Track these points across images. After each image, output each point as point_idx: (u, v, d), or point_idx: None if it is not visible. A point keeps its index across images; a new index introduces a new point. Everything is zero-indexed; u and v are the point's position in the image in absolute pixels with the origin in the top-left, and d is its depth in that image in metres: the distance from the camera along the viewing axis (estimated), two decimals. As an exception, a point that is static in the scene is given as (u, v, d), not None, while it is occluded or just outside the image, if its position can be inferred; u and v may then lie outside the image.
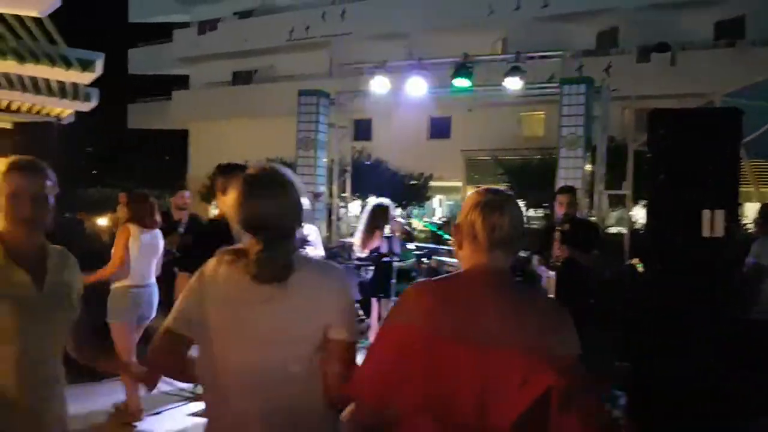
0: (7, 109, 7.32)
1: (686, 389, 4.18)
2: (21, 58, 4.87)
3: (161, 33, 29.37)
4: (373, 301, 6.53)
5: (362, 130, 19.90)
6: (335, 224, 10.90)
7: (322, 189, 10.18)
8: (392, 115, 18.50)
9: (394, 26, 21.91)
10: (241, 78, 27.21)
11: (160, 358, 1.92)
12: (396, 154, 18.67)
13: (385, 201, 6.53)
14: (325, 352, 1.83)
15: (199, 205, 21.04)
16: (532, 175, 15.19)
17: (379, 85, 9.08)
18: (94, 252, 6.08)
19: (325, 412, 1.87)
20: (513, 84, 8.36)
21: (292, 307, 1.83)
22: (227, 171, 4.09)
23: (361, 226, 6.42)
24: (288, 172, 1.96)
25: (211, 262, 1.92)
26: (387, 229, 6.39)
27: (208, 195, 22.83)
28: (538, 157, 16.20)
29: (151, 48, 30.13)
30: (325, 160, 10.43)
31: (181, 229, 7.44)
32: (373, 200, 6.65)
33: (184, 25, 29.17)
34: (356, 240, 6.71)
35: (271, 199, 1.85)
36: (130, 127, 31.01)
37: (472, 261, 1.77)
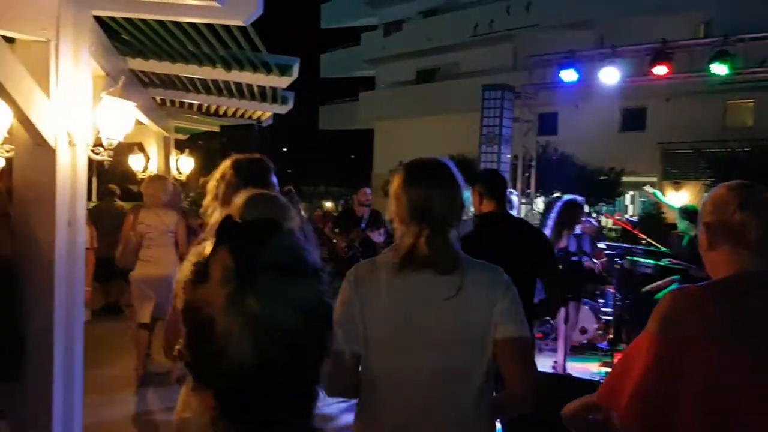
0: (216, 113, 8.00)
1: None
2: (228, 66, 5.24)
3: (350, 37, 30.70)
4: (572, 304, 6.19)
5: (547, 124, 19.22)
6: (519, 222, 10.60)
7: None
8: (580, 107, 17.65)
9: (584, 14, 20.90)
10: (425, 76, 27.57)
11: (341, 384, 1.80)
12: (584, 148, 17.82)
13: (577, 198, 6.20)
14: (498, 353, 1.75)
15: (382, 201, 21.68)
16: (740, 168, 13.73)
17: (567, 76, 8.69)
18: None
19: (488, 416, 1.80)
20: (720, 70, 7.57)
21: (466, 305, 1.74)
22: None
23: (550, 223, 6.14)
24: (451, 163, 1.90)
25: (363, 266, 1.89)
26: (578, 227, 6.05)
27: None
28: (747, 149, 14.61)
29: (341, 52, 31.61)
30: (509, 156, 10.19)
31: (363, 225, 7.71)
32: (564, 196, 6.32)
33: (372, 28, 30.20)
34: None
35: (438, 188, 1.80)
36: (321, 128, 32.79)
37: (738, 265, 1.54)
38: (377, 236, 7.70)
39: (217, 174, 2.43)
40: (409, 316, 1.74)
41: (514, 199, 7.26)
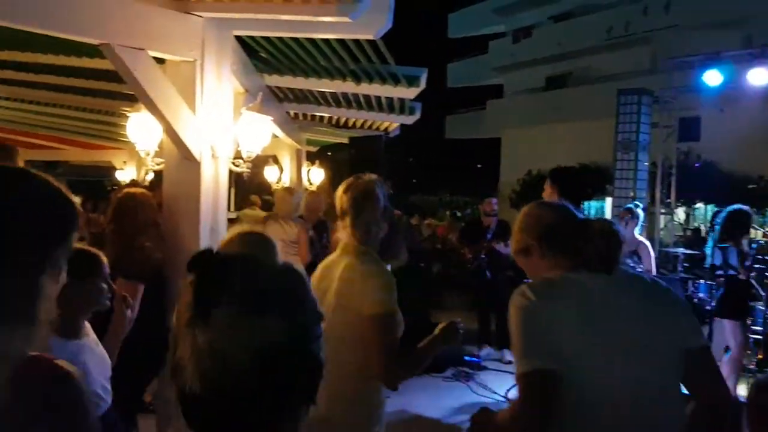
0: (345, 125, 8.22)
1: None
2: (358, 79, 5.37)
3: (478, 45, 30.55)
4: (724, 322, 5.71)
5: (689, 129, 18.03)
6: (657, 233, 10.04)
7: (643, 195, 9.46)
8: (726, 111, 16.43)
9: (729, 13, 19.48)
10: (555, 82, 26.84)
11: (543, 408, 1.65)
12: (730, 155, 16.57)
13: (743, 207, 5.76)
14: (689, 367, 1.70)
15: (508, 211, 21.32)
16: None
17: (711, 78, 8.14)
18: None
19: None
20: None
21: (655, 315, 1.73)
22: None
23: (715, 236, 5.73)
24: None
25: (539, 282, 1.83)
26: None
27: (518, 201, 23.05)
28: None
29: (468, 61, 31.51)
30: (646, 163, 9.67)
31: (489, 235, 7.58)
32: (731, 207, 5.88)
33: (500, 35, 29.87)
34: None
35: None
36: (447, 138, 32.80)
37: None
38: (503, 248, 7.53)
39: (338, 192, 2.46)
40: (603, 326, 1.71)
41: (640, 212, 6.86)
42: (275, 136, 7.01)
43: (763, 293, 6.15)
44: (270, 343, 0.82)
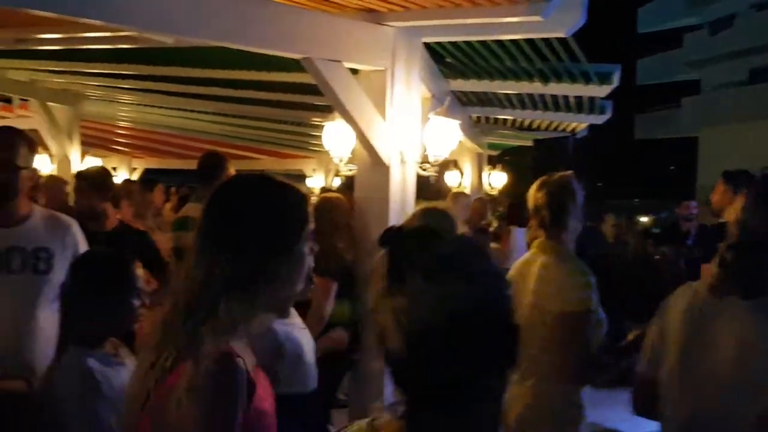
0: (529, 128, 8.03)
1: None
2: (545, 78, 5.22)
3: (670, 40, 28.57)
4: None
5: None
6: None
7: None
8: None
9: None
10: (760, 75, 24.31)
11: (641, 405, 1.86)
12: None
13: None
14: None
15: (707, 215, 19.56)
16: None
17: None
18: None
19: None
20: None
21: (759, 335, 1.58)
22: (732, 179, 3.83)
23: None
24: None
25: (679, 290, 1.81)
26: None
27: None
28: None
29: (659, 56, 29.57)
30: None
31: (690, 241, 6.98)
32: None
33: (695, 27, 27.70)
34: None
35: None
36: (637, 138, 30.97)
37: None
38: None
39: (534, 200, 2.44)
40: (696, 337, 1.65)
41: None
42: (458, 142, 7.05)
43: None
44: (457, 304, 0.89)
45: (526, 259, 2.40)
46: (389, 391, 3.31)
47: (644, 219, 27.03)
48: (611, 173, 31.72)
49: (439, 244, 0.96)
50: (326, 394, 3.66)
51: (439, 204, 2.46)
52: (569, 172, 2.41)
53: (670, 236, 7.38)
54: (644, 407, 1.87)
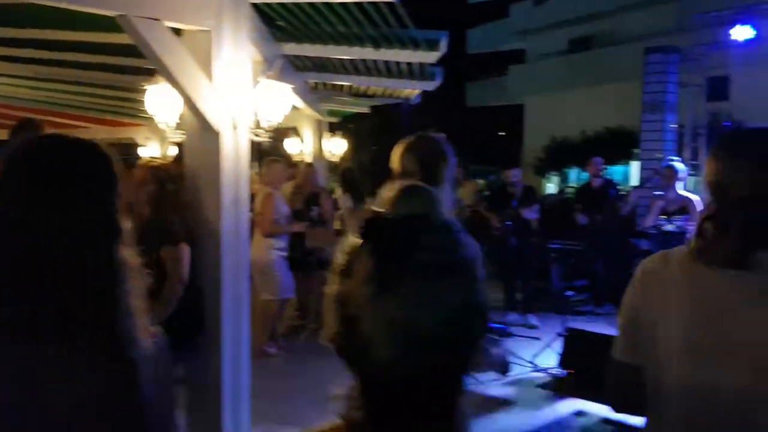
0: (365, 94, 8.14)
1: None
2: (377, 44, 5.29)
3: (498, 10, 29.97)
4: None
5: (718, 88, 17.57)
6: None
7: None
8: (757, 68, 15.99)
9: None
10: (579, 45, 26.28)
11: (626, 400, 1.61)
12: (760, 115, 16.14)
13: None
14: None
15: (534, 179, 21.05)
16: None
17: (741, 33, 7.88)
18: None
19: None
20: None
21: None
22: None
23: None
24: None
25: (652, 261, 1.56)
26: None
27: (543, 168, 22.78)
28: None
29: (488, 26, 30.97)
30: (674, 125, 9.45)
31: (514, 203, 7.54)
32: None
33: (521, -1, 29.28)
34: None
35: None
36: (469, 105, 32.40)
37: None
38: (529, 213, 7.50)
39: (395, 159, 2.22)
40: (709, 322, 1.43)
41: (681, 167, 6.78)
42: (295, 108, 6.98)
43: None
44: (459, 303, 0.80)
45: None
46: (227, 371, 3.24)
47: (481, 181, 28.59)
48: (447, 139, 33.11)
49: (433, 237, 0.84)
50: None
51: (415, 179, 2.07)
52: (440, 133, 2.33)
53: (499, 198, 7.88)
54: (625, 400, 1.62)
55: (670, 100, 9.00)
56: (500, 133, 34.01)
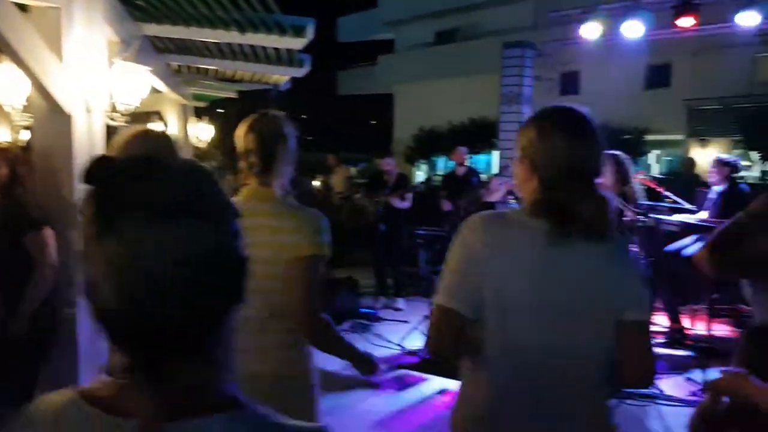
0: (233, 79, 7.96)
1: None
2: (242, 28, 5.19)
3: (368, 0, 30.24)
4: None
5: (569, 83, 18.87)
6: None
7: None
8: (603, 65, 17.29)
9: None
10: (444, 37, 27.12)
11: (444, 345, 1.65)
12: (607, 108, 17.45)
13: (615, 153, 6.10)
14: (623, 336, 1.58)
15: (404, 166, 21.55)
16: (770, 124, 13.44)
17: (588, 32, 8.46)
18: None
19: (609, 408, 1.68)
20: (747, 20, 7.31)
21: (605, 280, 1.58)
22: None
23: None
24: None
25: (492, 219, 1.66)
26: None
27: (413, 156, 23.39)
28: (777, 104, 14.30)
29: (359, 15, 31.19)
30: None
31: (387, 191, 7.72)
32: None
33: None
34: None
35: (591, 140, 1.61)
36: (340, 94, 32.55)
37: None
38: (398, 202, 7.66)
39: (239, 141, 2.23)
40: (537, 282, 1.56)
41: None
42: (158, 91, 6.70)
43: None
44: (189, 247, 0.77)
45: (247, 211, 2.21)
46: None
47: (352, 169, 28.79)
48: (320, 127, 33.07)
49: (163, 176, 0.80)
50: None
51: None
52: (280, 112, 2.27)
53: (374, 185, 8.01)
54: (442, 344, 1.65)
55: (526, 93, 9.55)
56: (371, 122, 34.46)
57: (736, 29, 7.65)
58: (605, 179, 5.89)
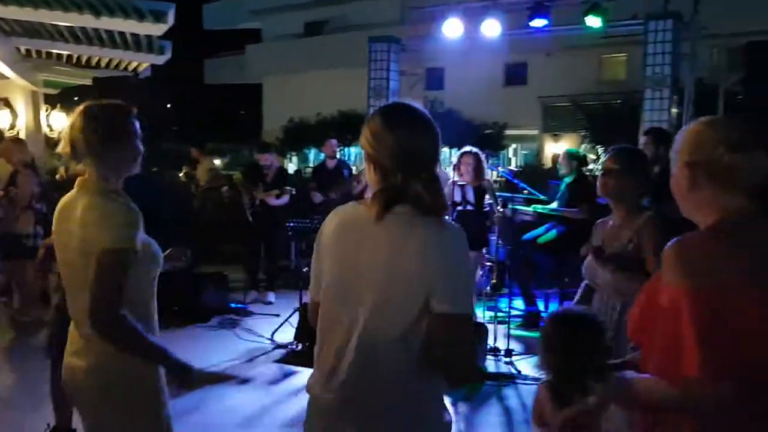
0: (88, 65, 7.53)
1: None
2: (96, 12, 4.93)
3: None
4: None
5: (434, 79, 19.51)
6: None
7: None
8: (466, 62, 18.01)
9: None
10: (313, 29, 27.04)
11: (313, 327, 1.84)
12: (470, 103, 18.26)
13: (469, 149, 6.40)
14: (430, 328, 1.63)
15: (277, 159, 21.31)
16: (614, 120, 14.60)
17: (451, 28, 8.77)
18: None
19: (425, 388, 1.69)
20: (594, 22, 7.91)
21: (408, 262, 1.61)
22: None
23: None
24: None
25: (332, 214, 1.81)
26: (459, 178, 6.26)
27: (282, 148, 23.15)
28: (620, 101, 15.57)
29: (225, 2, 30.36)
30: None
31: (264, 187, 7.60)
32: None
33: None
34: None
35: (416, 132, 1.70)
36: (207, 83, 31.56)
37: (725, 206, 1.54)
38: (273, 200, 7.54)
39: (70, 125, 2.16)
40: (348, 265, 1.69)
41: None
42: (5, 77, 6.24)
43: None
44: None
45: (69, 199, 2.14)
46: None
47: (217, 162, 28.06)
48: (186, 117, 31.88)
49: None
50: None
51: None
52: (119, 101, 2.20)
53: (252, 177, 7.84)
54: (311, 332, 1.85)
55: (392, 87, 9.74)
56: (240, 112, 33.69)
57: (585, 31, 8.23)
58: (465, 173, 6.25)
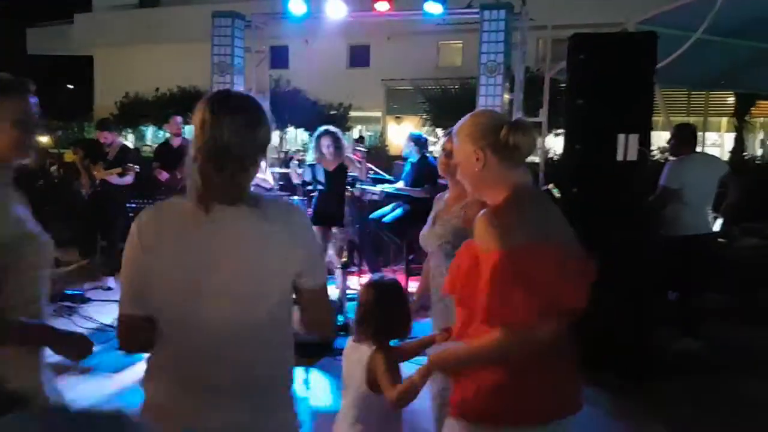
0: None
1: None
2: None
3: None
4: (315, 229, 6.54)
5: (279, 57, 19.29)
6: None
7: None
8: (310, 41, 18.01)
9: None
10: (149, 0, 25.62)
11: (137, 343, 1.74)
12: (315, 83, 18.30)
13: (326, 128, 6.53)
14: (302, 302, 1.76)
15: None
16: (452, 103, 15.34)
17: (296, 8, 8.73)
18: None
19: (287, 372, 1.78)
20: (433, 9, 8.25)
21: (266, 248, 1.64)
22: None
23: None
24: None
25: (146, 213, 1.69)
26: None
27: (117, 124, 21.78)
28: (456, 87, 16.36)
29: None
30: (242, 87, 10.08)
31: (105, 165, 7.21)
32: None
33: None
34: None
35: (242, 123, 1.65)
36: (31, 53, 28.85)
37: (512, 180, 1.90)
38: (115, 178, 7.17)
39: None
40: (198, 261, 1.61)
41: None
42: None
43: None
44: None
45: None
46: None
47: (45, 139, 25.82)
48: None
49: None
50: None
51: None
52: None
53: (93, 154, 7.40)
54: (130, 341, 1.72)
55: (237, 63, 9.53)
56: (68, 86, 31.22)
57: (424, 17, 8.54)
58: (327, 154, 6.36)
